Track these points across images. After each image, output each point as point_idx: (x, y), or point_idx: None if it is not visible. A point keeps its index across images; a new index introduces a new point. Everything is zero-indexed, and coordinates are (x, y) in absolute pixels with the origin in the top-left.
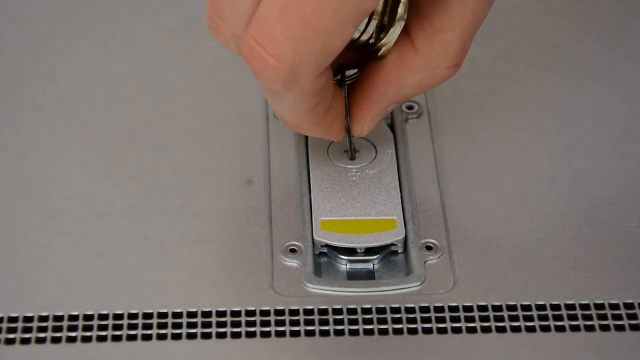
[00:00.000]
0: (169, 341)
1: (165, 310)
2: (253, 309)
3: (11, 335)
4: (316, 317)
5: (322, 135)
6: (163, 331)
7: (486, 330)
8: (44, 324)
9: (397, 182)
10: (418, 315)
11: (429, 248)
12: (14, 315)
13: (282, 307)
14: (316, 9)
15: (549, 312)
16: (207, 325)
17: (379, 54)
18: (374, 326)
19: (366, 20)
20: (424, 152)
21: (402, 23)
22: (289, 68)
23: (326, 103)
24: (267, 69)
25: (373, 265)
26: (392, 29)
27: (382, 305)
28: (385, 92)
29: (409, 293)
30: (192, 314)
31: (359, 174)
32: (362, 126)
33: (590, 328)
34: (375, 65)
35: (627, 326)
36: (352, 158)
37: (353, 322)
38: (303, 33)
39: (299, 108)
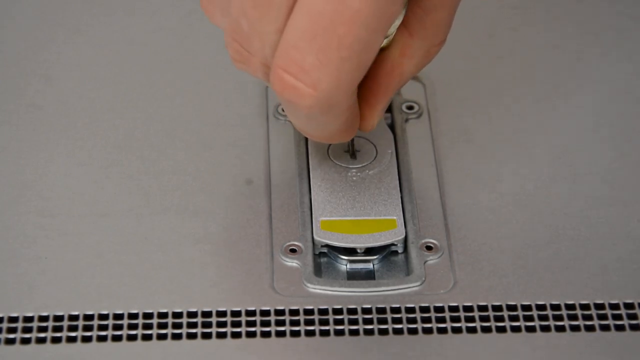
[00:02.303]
0: (169, 341)
1: (165, 310)
2: (253, 309)
3: (11, 335)
4: (316, 317)
5: (349, 138)
6: (163, 331)
7: (486, 330)
8: (44, 324)
9: (397, 182)
10: (418, 315)
11: (429, 248)
12: (14, 315)
13: (282, 307)
14: (349, 26)
15: (549, 312)
16: (207, 325)
17: (381, 47)
18: (374, 326)
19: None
20: (424, 152)
21: (403, 12)
22: (327, 93)
23: (356, 109)
24: (302, 98)
25: (373, 265)
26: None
27: (382, 305)
28: (390, 83)
29: (409, 293)
30: (192, 314)
31: (359, 174)
32: (373, 121)
33: (590, 328)
34: (378, 59)
35: (627, 326)
36: (354, 157)
37: (353, 322)
38: (339, 54)
39: (332, 124)
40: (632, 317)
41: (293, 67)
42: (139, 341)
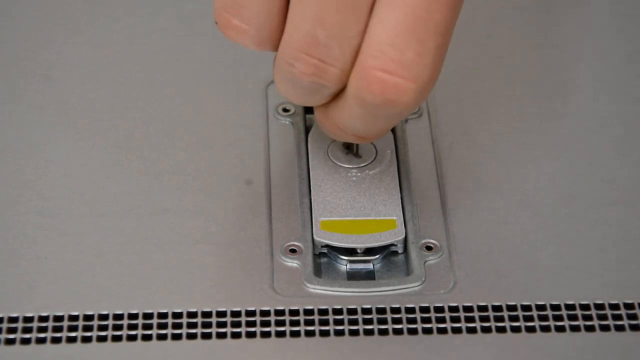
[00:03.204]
0: (169, 341)
1: (165, 310)
2: (253, 309)
3: (11, 335)
4: (316, 317)
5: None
6: (163, 331)
7: (486, 330)
8: (44, 324)
9: (397, 182)
10: (418, 315)
11: (429, 248)
12: (14, 315)
13: (282, 307)
14: (444, 11)
15: (549, 312)
16: (207, 325)
17: None
18: (374, 326)
19: None
20: (424, 152)
21: None
22: (426, 84)
23: None
24: (404, 94)
25: (373, 265)
26: None
27: (382, 306)
28: None
29: (409, 293)
30: (192, 314)
31: (359, 174)
32: None
33: (590, 328)
34: None
35: (627, 326)
36: (359, 156)
37: (353, 322)
38: (435, 42)
39: (402, 118)
40: (632, 317)
41: (392, 65)
42: (139, 341)
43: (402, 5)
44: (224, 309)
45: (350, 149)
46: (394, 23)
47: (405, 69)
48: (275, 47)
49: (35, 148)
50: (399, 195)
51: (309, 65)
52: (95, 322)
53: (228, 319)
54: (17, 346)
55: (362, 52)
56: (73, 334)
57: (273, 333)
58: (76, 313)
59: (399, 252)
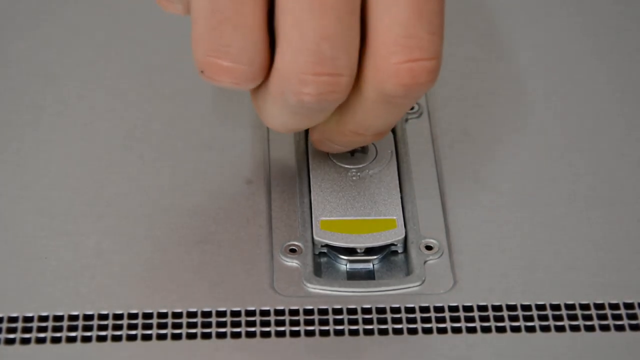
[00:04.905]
0: (169, 341)
1: (165, 310)
2: (253, 309)
3: (11, 335)
4: (316, 317)
5: None
6: (163, 331)
7: (486, 330)
8: (44, 324)
9: (397, 182)
10: (418, 315)
11: (429, 248)
12: (14, 315)
13: (282, 307)
14: None
15: (549, 312)
16: (207, 325)
17: None
18: (374, 326)
19: None
20: (424, 152)
21: None
22: (441, 53)
23: None
24: (431, 73)
25: (373, 265)
26: None
27: (382, 305)
28: None
29: (409, 293)
30: (192, 314)
31: (359, 174)
32: None
33: (590, 328)
34: None
35: (627, 326)
36: (365, 151)
37: (353, 322)
38: (440, 14)
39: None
40: (632, 317)
41: (415, 53)
42: (139, 341)
43: None
44: (223, 309)
45: (355, 149)
46: (403, 14)
47: (426, 51)
48: (263, 79)
49: (35, 148)
50: (399, 195)
51: (319, 84)
52: (95, 322)
53: (228, 318)
54: (17, 346)
55: (376, 52)
56: (73, 334)
57: (273, 333)
58: (76, 313)
59: (399, 252)
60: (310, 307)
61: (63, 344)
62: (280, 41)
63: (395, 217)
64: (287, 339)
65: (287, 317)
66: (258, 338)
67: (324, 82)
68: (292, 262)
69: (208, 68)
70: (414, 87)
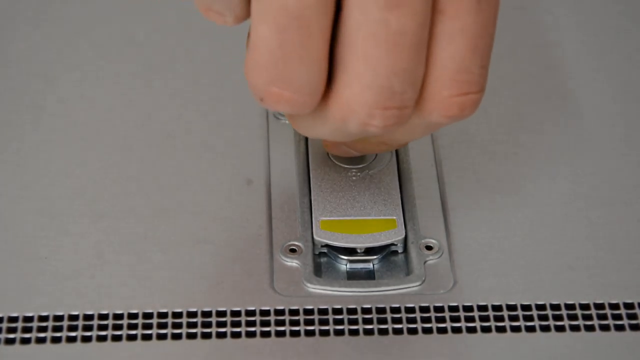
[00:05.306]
0: (169, 341)
1: (165, 310)
2: (253, 309)
3: (11, 335)
4: (316, 317)
5: None
6: (163, 331)
7: (486, 330)
8: (44, 324)
9: (397, 182)
10: (418, 315)
11: (429, 248)
12: (14, 315)
13: (282, 307)
14: (493, 19)
15: (549, 312)
16: (207, 325)
17: None
18: (374, 326)
19: None
20: (424, 152)
21: None
22: (484, 90)
23: None
24: (475, 104)
25: (373, 265)
26: None
27: (382, 305)
28: None
29: (409, 293)
30: (192, 314)
31: (359, 174)
32: None
33: (590, 328)
34: None
35: (627, 326)
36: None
37: (353, 322)
38: (491, 49)
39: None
40: (632, 317)
41: (465, 87)
42: (139, 341)
43: (462, 30)
44: (223, 309)
45: None
46: (460, 50)
47: (475, 84)
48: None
49: (35, 148)
50: (399, 195)
51: (387, 117)
52: (95, 322)
53: (228, 318)
54: (17, 346)
55: (432, 84)
56: (73, 334)
57: (273, 333)
58: (76, 313)
59: (399, 251)
60: (310, 307)
61: (63, 344)
62: (346, 72)
63: (395, 217)
64: (287, 339)
65: (287, 317)
66: (258, 338)
67: (391, 115)
68: (292, 262)
69: (269, 97)
70: (459, 118)
